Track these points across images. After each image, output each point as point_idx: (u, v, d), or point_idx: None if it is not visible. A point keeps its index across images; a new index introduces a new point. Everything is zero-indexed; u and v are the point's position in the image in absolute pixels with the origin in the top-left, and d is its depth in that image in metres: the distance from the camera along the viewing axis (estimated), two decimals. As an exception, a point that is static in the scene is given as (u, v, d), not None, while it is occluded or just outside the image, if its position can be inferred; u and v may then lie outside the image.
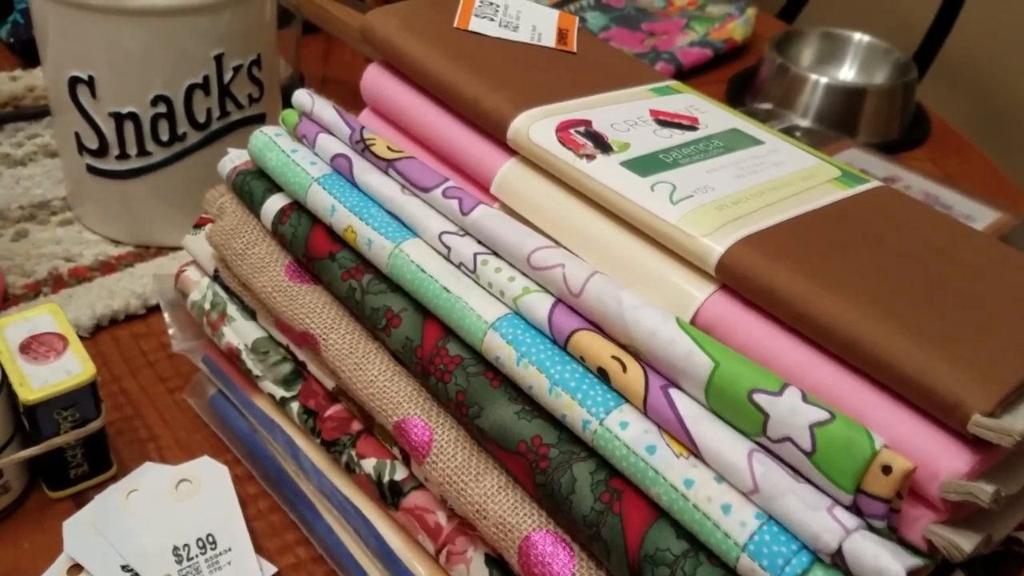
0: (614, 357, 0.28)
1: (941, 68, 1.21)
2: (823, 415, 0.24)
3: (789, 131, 0.73)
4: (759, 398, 0.25)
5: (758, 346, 0.27)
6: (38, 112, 0.62)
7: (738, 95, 0.80)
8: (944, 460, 0.23)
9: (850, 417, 0.24)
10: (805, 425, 0.24)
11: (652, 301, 0.29)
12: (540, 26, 0.39)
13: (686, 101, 0.36)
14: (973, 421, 0.23)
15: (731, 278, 0.27)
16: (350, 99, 0.67)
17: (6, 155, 0.59)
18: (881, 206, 0.31)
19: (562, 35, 0.39)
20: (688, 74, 0.82)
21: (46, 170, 0.58)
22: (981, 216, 0.61)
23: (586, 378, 0.29)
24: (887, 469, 0.23)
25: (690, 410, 0.27)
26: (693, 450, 0.26)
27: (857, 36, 0.81)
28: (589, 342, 0.29)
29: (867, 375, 0.25)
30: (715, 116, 0.35)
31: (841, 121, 0.75)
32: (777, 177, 0.31)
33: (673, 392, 0.27)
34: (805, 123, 0.75)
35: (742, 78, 0.82)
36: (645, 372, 0.28)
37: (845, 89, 0.75)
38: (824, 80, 0.75)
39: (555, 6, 0.88)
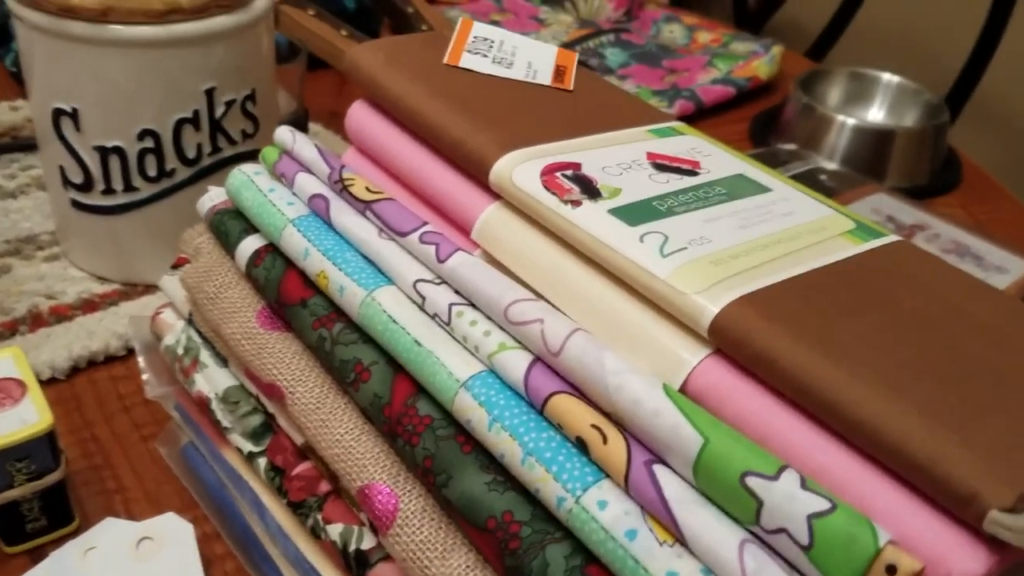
0: (594, 426, 0.25)
1: (974, 110, 1.17)
2: (823, 505, 0.21)
3: (814, 173, 0.70)
4: (752, 482, 0.22)
5: (754, 421, 0.24)
6: (33, 143, 0.60)
7: (761, 135, 0.77)
8: (957, 560, 0.20)
9: (853, 508, 0.21)
10: (803, 515, 0.21)
11: (639, 363, 0.26)
12: (536, 63, 0.37)
13: (688, 143, 0.33)
14: (990, 518, 0.20)
15: (725, 342, 0.24)
16: (356, 134, 0.65)
17: (-2, 187, 0.57)
18: (897, 264, 0.28)
19: (559, 72, 0.37)
20: (709, 112, 0.80)
21: (37, 203, 0.56)
22: (1014, 267, 0.57)
23: (563, 448, 0.26)
24: (892, 569, 0.20)
25: (676, 492, 0.23)
26: (679, 537, 0.23)
27: (886, 76, 0.78)
28: (567, 408, 0.26)
29: (875, 459, 0.22)
30: (719, 160, 0.32)
31: (868, 164, 0.72)
32: (783, 229, 0.28)
33: (658, 469, 0.24)
34: (831, 165, 0.72)
35: (766, 117, 0.79)
36: (628, 444, 0.25)
37: (873, 131, 0.72)
38: (851, 121, 0.72)
39: (575, 42, 0.87)
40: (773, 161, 0.70)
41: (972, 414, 0.22)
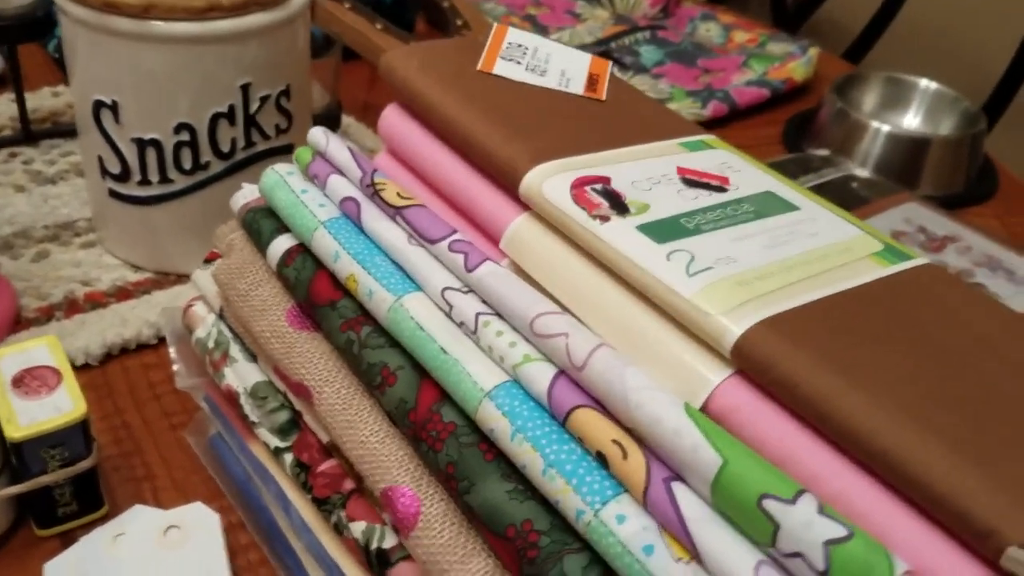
0: (615, 441, 0.26)
1: (1013, 119, 1.15)
2: (840, 531, 0.21)
3: (846, 180, 0.69)
4: (770, 505, 0.22)
5: (774, 443, 0.24)
6: (73, 129, 0.61)
7: (794, 139, 0.77)
8: (974, 596, 0.20)
9: (871, 536, 0.21)
10: (819, 541, 0.21)
11: (662, 380, 0.26)
12: (569, 71, 0.37)
13: (719, 158, 0.33)
14: (1008, 555, 0.20)
15: (748, 364, 0.25)
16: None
17: (38, 172, 0.58)
18: (925, 289, 0.28)
19: (592, 81, 0.37)
20: (743, 114, 0.79)
21: (75, 190, 0.57)
22: (1048, 283, 0.57)
23: (584, 461, 0.26)
24: (908, 600, 0.20)
25: (694, 510, 0.24)
26: (695, 555, 0.24)
27: (924, 83, 0.77)
28: (589, 422, 0.26)
29: (894, 487, 0.22)
30: (748, 176, 0.32)
31: (902, 172, 0.71)
32: (810, 250, 0.28)
33: (677, 487, 0.24)
34: (864, 172, 0.71)
35: (800, 121, 0.79)
36: (648, 461, 0.25)
37: (908, 138, 0.71)
38: (886, 128, 0.71)
39: (610, 38, 0.86)
40: (805, 167, 0.69)
41: (995, 449, 0.22)
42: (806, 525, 0.22)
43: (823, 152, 0.73)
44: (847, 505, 0.23)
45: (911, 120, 0.78)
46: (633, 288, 0.28)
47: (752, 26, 0.92)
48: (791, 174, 0.68)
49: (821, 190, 0.66)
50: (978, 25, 1.26)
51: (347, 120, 0.69)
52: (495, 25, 0.40)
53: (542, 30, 0.88)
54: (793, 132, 0.77)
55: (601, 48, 0.85)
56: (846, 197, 0.66)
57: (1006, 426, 0.23)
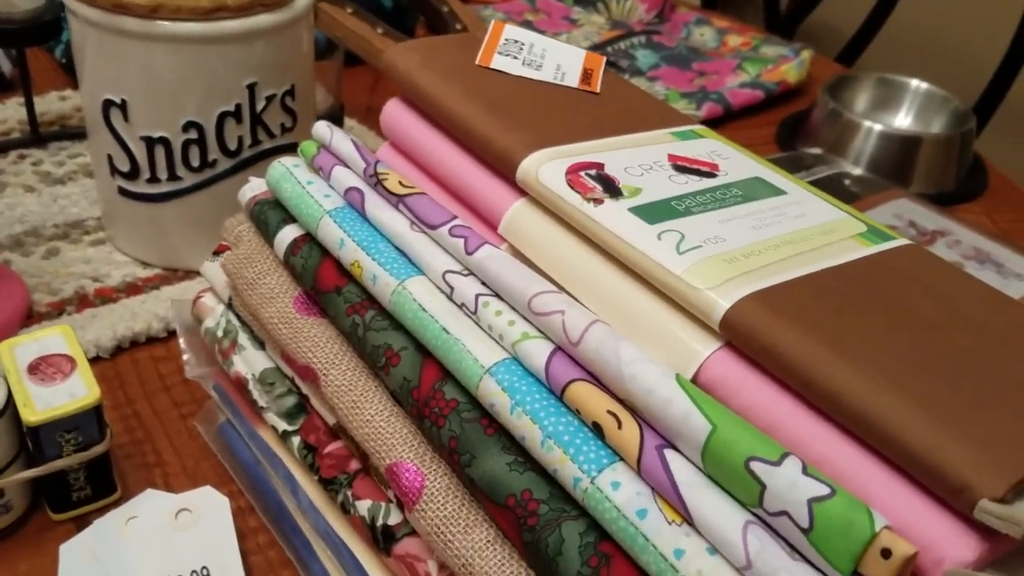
0: (609, 412, 0.27)
1: (1003, 118, 1.17)
2: (823, 490, 0.23)
3: (838, 178, 0.71)
4: (757, 467, 0.23)
5: (761, 410, 0.25)
6: (81, 132, 0.63)
7: (788, 139, 0.78)
8: (950, 546, 0.22)
9: (852, 494, 0.23)
10: (803, 500, 0.23)
11: (654, 354, 0.27)
12: (565, 65, 0.39)
13: (708, 146, 0.35)
14: (979, 507, 0.21)
15: (735, 335, 0.26)
16: (389, 130, 0.67)
17: (47, 173, 0.60)
18: (907, 267, 0.29)
19: (586, 75, 0.38)
20: (737, 115, 0.81)
21: (84, 189, 0.59)
22: (1035, 275, 0.58)
23: (580, 432, 0.27)
24: (887, 553, 0.21)
25: (685, 475, 0.25)
26: (687, 517, 0.25)
27: (914, 83, 0.79)
28: (585, 395, 0.27)
29: (874, 450, 0.24)
30: (737, 163, 0.34)
31: (894, 170, 0.72)
32: (796, 230, 0.30)
33: (669, 454, 0.26)
34: (856, 171, 0.73)
35: (793, 122, 0.80)
36: (641, 430, 0.26)
37: (899, 137, 0.73)
38: (878, 127, 0.73)
39: (606, 43, 0.88)
40: (798, 165, 0.71)
41: (970, 410, 0.23)
42: (790, 485, 0.23)
43: (816, 151, 0.75)
44: (830, 468, 0.24)
45: (902, 120, 0.79)
46: (626, 267, 0.29)
47: (746, 30, 0.94)
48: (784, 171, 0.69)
49: (813, 186, 0.68)
50: (970, 25, 1.27)
51: (350, 122, 0.70)
52: (493, 22, 0.41)
53: (540, 34, 0.90)
54: (787, 132, 0.79)
55: (597, 52, 0.87)
56: (838, 193, 0.67)
57: (981, 390, 0.24)
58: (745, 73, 0.84)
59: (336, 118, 0.66)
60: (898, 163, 0.72)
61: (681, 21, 0.96)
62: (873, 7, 1.25)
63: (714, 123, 0.79)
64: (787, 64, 0.85)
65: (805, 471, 0.23)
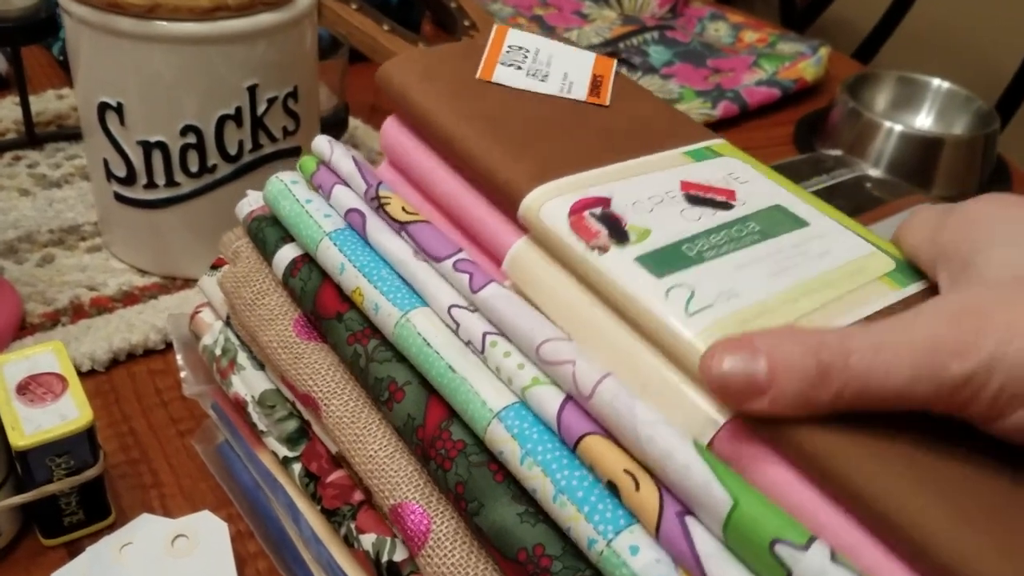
0: (627, 471, 0.25)
1: (1028, 116, 1.14)
2: (855, 581, 0.21)
3: (859, 181, 0.69)
4: (782, 550, 0.22)
5: (781, 493, 0.23)
6: (78, 133, 0.61)
7: (806, 139, 0.76)
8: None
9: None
10: (834, 588, 0.21)
11: (665, 416, 0.25)
12: (572, 74, 0.36)
13: (725, 168, 0.32)
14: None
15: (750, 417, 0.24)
16: (396, 130, 0.65)
17: (42, 176, 0.58)
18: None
19: (595, 84, 0.36)
20: (754, 114, 0.78)
21: (81, 193, 0.57)
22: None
23: (595, 488, 0.25)
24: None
25: (708, 547, 0.23)
26: (709, 588, 0.23)
27: (936, 82, 0.76)
28: (600, 450, 0.25)
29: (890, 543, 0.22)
30: (755, 188, 0.31)
31: (915, 172, 0.70)
32: (818, 275, 0.27)
33: (690, 522, 0.24)
34: (876, 173, 0.71)
35: (811, 121, 0.78)
36: (660, 494, 0.24)
37: (921, 138, 0.71)
38: (899, 128, 0.70)
39: (618, 39, 0.86)
40: (818, 168, 0.69)
41: (1001, 517, 0.21)
42: (819, 573, 0.21)
43: (836, 152, 0.73)
44: (855, 559, 0.22)
45: (923, 120, 0.77)
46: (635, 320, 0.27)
47: (761, 26, 0.91)
48: (803, 175, 0.67)
49: (834, 191, 0.66)
50: (990, 22, 1.25)
51: (354, 123, 0.68)
52: (495, 27, 0.39)
53: (549, 31, 0.87)
54: (804, 132, 0.77)
55: (609, 48, 0.84)
56: (859, 198, 0.65)
57: (1015, 496, 0.22)
58: (762, 70, 0.82)
59: (340, 118, 0.64)
60: (919, 165, 0.70)
61: (695, 16, 0.94)
62: (891, 2, 1.23)
63: (730, 122, 0.77)
64: (805, 61, 0.83)
65: (834, 558, 0.21)
